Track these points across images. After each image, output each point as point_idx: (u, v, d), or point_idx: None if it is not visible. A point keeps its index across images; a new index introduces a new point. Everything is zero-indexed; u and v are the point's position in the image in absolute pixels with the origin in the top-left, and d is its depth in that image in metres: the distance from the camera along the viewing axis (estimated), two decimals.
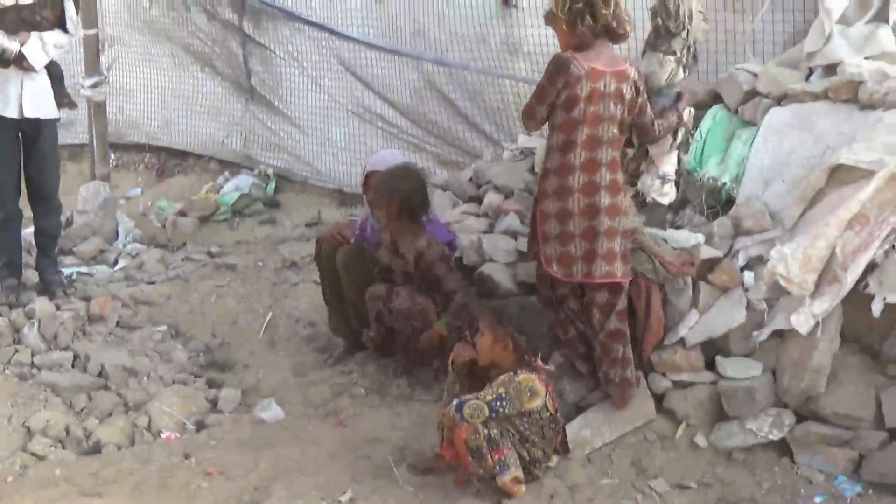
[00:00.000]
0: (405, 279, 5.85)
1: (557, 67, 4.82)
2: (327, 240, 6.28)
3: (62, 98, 7.17)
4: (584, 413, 5.19)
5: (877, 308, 4.83)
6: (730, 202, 5.68)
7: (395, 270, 5.89)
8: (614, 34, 4.92)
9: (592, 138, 4.87)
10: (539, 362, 4.80)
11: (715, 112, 5.99)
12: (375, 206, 5.91)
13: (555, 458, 4.90)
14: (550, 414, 4.73)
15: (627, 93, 4.92)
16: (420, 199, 5.81)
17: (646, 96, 5.07)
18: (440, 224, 6.20)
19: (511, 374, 4.68)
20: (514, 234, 6.29)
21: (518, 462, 4.66)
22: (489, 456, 4.60)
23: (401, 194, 5.72)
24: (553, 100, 4.85)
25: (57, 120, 7.22)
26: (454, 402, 4.67)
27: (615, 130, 4.92)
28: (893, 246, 4.84)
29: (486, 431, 4.59)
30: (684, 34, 5.22)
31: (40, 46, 6.82)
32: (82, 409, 5.82)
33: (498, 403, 4.59)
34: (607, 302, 5.03)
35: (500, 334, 4.82)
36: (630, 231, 5.05)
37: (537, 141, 7.09)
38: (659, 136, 5.22)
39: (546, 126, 5.06)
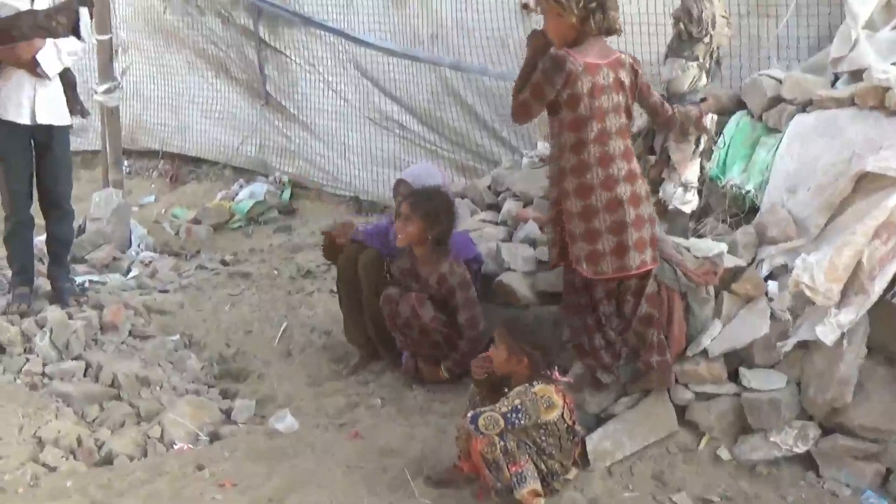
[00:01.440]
0: (422, 290, 5.90)
1: (554, 66, 4.80)
2: (335, 237, 6.35)
3: (75, 105, 7.18)
4: (605, 424, 5.16)
5: None
6: (753, 210, 5.67)
7: (411, 286, 5.95)
8: (612, 31, 4.93)
9: (602, 132, 4.86)
10: (556, 374, 4.79)
11: (738, 118, 5.98)
12: (405, 222, 5.82)
13: (574, 471, 4.89)
14: (568, 426, 4.72)
15: (626, 79, 4.91)
16: (451, 228, 5.86)
17: (644, 78, 5.06)
18: (464, 236, 6.22)
19: (527, 385, 4.68)
20: (533, 243, 6.29)
21: (536, 474, 4.64)
22: (506, 468, 4.58)
23: (435, 226, 5.77)
24: (553, 99, 4.85)
25: (70, 126, 7.22)
26: (469, 414, 4.68)
27: (623, 119, 4.92)
28: None
29: (502, 443, 4.57)
30: (707, 39, 5.25)
31: (55, 53, 6.83)
32: (94, 420, 5.84)
33: (514, 415, 4.58)
34: (638, 287, 5.05)
35: (514, 347, 4.80)
36: (654, 216, 5.08)
37: None
38: (674, 121, 5.24)
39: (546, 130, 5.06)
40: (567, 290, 5.25)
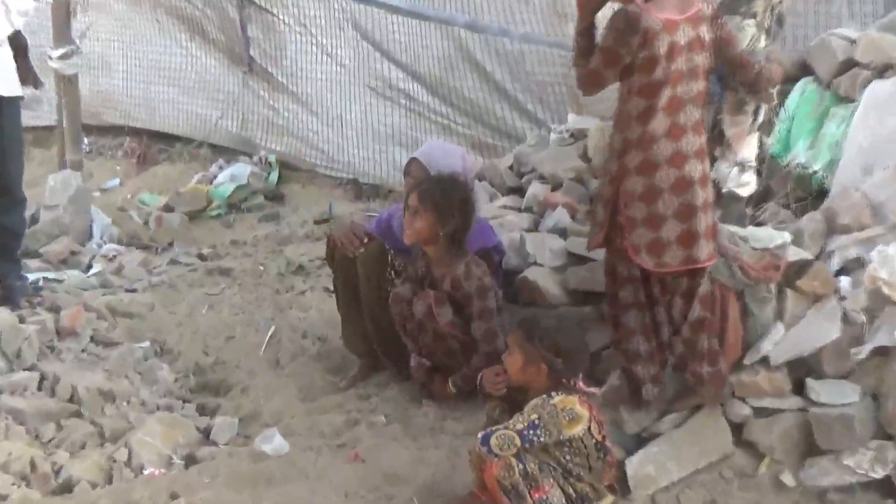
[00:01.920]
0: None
1: (628, 24, 4.74)
2: (341, 244, 6.23)
3: (26, 73, 7.18)
4: (647, 446, 5.14)
5: None
6: (822, 194, 5.68)
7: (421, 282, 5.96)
8: None
9: (674, 100, 4.85)
10: (581, 384, 4.77)
11: (804, 86, 6.00)
12: (413, 216, 5.80)
13: (610, 498, 4.85)
14: (597, 441, 4.66)
15: (707, 35, 4.88)
16: (467, 224, 5.82)
17: (728, 26, 5.03)
18: (483, 223, 6.21)
19: (545, 396, 4.65)
20: (563, 233, 6.29)
21: (563, 500, 4.62)
22: (528, 495, 4.55)
23: (447, 220, 5.73)
24: (627, 63, 4.81)
25: (20, 98, 7.22)
26: (480, 435, 4.64)
27: (699, 85, 4.90)
28: None
29: (521, 466, 4.54)
30: None
31: (3, 13, 6.83)
32: (50, 441, 5.81)
33: (531, 432, 4.54)
34: (689, 286, 5.05)
35: (531, 353, 4.78)
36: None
37: (590, 121, 7.15)
38: (761, 80, 5.19)
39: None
40: (615, 286, 5.21)
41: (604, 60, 4.83)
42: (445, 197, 5.73)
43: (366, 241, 6.15)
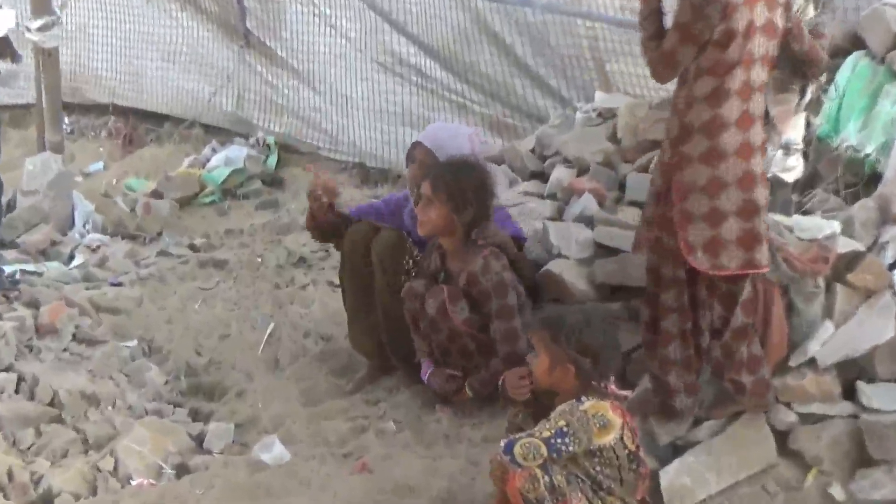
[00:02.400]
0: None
1: None
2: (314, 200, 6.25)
3: (2, 46, 7.18)
4: (683, 455, 5.11)
5: None
6: (874, 178, 5.67)
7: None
8: None
9: (746, 85, 4.79)
10: (612, 388, 4.76)
11: (855, 61, 5.98)
12: (425, 206, 5.81)
13: None
14: (630, 452, 4.62)
15: (780, 21, 4.84)
16: (486, 212, 5.83)
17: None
18: (500, 210, 6.20)
19: (574, 401, 4.62)
20: (590, 222, 6.27)
21: None
22: None
23: (464, 209, 5.74)
24: (707, 38, 4.75)
25: None
26: (502, 443, 4.60)
27: (765, 74, 4.86)
28: None
29: (546, 478, 4.49)
30: None
31: None
32: (29, 448, 5.84)
33: (559, 440, 4.48)
34: (729, 292, 5.00)
35: (557, 354, 4.75)
36: None
37: (620, 99, 7.16)
38: (821, 60, 5.22)
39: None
40: (657, 285, 5.17)
41: (680, 38, 4.76)
42: (460, 183, 5.74)
43: (333, 192, 6.23)
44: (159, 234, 9.41)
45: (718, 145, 4.79)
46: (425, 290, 5.88)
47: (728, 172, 4.81)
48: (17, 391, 6.27)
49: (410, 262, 6.13)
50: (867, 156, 5.70)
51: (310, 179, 6.75)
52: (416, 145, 6.24)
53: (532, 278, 6.04)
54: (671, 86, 5.06)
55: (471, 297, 5.80)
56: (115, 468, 5.65)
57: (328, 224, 6.32)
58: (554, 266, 6.07)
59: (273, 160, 10.58)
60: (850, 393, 5.14)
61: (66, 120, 10.71)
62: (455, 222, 5.76)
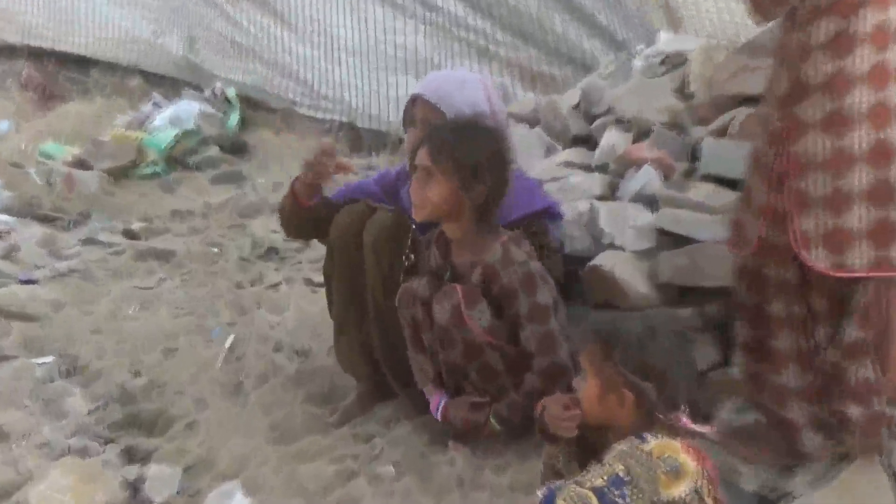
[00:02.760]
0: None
1: None
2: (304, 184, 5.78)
3: None
4: None
5: None
6: None
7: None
8: None
9: (879, 29, 4.37)
10: (686, 421, 4.33)
11: None
12: (422, 181, 5.34)
13: None
14: None
15: None
16: (501, 189, 5.32)
17: None
18: (526, 180, 5.70)
19: (634, 439, 4.21)
20: (651, 202, 5.88)
21: None
22: None
23: (474, 186, 5.21)
24: None
25: None
26: (540, 494, 4.20)
27: None
28: None
29: None
30: None
31: None
32: None
33: (615, 491, 4.04)
34: (843, 297, 4.67)
35: (612, 379, 4.33)
36: None
37: (692, 41, 6.98)
38: None
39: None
40: (760, 292, 4.81)
41: None
42: (471, 150, 5.22)
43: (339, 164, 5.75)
44: (85, 215, 9.13)
45: (844, 107, 4.44)
46: (430, 292, 5.32)
47: (857, 143, 4.44)
48: None
49: (412, 255, 5.65)
50: None
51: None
52: (416, 100, 5.69)
53: (560, 273, 5.62)
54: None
55: (489, 297, 5.28)
56: None
57: (310, 210, 5.83)
58: (604, 260, 5.65)
59: (235, 119, 10.53)
60: None
61: None
62: (462, 203, 5.24)
